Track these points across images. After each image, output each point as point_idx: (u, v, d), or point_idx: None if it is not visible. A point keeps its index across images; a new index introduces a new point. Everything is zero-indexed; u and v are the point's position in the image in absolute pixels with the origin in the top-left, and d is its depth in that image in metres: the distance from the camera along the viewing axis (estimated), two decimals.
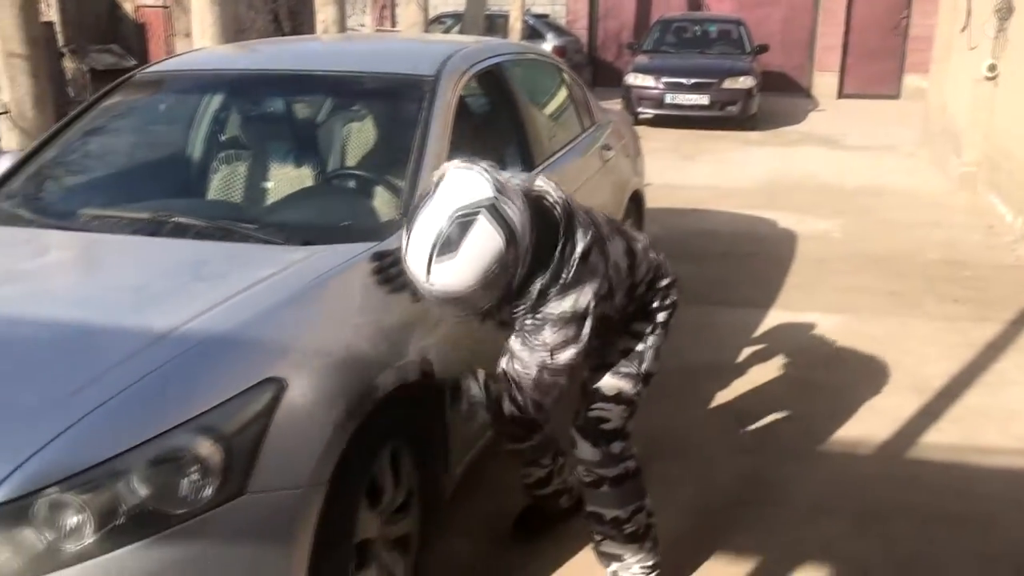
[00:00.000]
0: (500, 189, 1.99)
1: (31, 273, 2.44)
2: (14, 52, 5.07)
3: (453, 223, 1.92)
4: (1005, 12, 6.94)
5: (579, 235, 2.15)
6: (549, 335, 2.13)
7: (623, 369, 2.44)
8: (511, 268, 2.00)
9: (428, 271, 1.95)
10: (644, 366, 2.46)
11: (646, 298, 2.48)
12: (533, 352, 2.16)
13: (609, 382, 2.44)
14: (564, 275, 2.10)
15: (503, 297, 2.07)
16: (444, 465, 2.60)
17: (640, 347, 2.46)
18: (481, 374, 2.35)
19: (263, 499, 1.87)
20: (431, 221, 1.95)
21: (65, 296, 2.28)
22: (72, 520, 1.72)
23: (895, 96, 14.97)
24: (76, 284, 2.41)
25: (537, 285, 2.09)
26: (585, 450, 2.46)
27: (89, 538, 1.72)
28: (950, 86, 8.69)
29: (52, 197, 3.06)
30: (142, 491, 1.76)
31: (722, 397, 3.90)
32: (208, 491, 1.81)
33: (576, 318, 2.13)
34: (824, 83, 15.31)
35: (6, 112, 5.29)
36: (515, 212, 1.98)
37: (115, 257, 2.49)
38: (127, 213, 2.75)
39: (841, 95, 15.23)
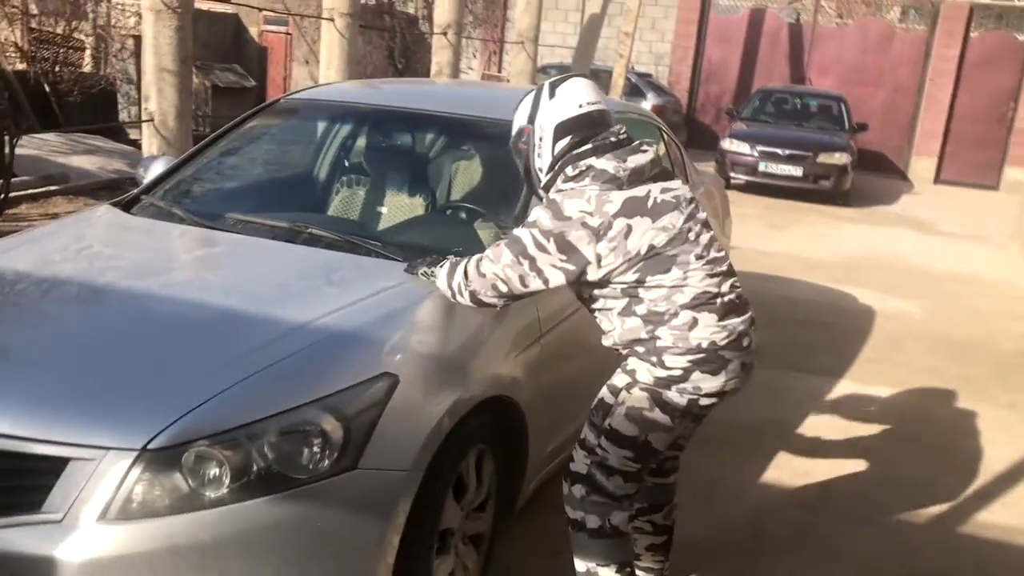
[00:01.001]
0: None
1: (188, 263, 2.82)
2: (166, 67, 5.56)
3: (556, 81, 2.58)
4: None
5: (606, 159, 2.43)
6: (532, 212, 2.45)
7: (591, 416, 2.53)
8: (527, 146, 2.54)
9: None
10: (608, 421, 2.45)
11: (638, 336, 2.42)
12: (542, 211, 2.42)
13: (584, 427, 2.55)
14: (570, 169, 2.45)
15: (527, 176, 2.59)
16: (521, 476, 2.86)
17: (610, 400, 2.47)
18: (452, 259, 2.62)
19: (371, 476, 2.17)
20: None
21: (218, 285, 2.64)
22: (213, 471, 2.03)
23: (994, 187, 14.84)
24: (226, 276, 2.77)
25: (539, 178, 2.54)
26: (563, 484, 2.59)
27: (225, 488, 2.03)
28: None
29: (201, 200, 3.46)
30: (272, 454, 2.08)
31: (785, 454, 4.08)
32: (326, 462, 2.12)
33: (555, 214, 2.36)
34: (922, 167, 15.27)
35: (151, 120, 5.76)
36: (548, 111, 2.49)
37: (258, 257, 2.85)
38: (267, 220, 3.12)
39: (938, 181, 15.16)
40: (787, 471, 3.94)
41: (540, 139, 2.50)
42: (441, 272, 2.56)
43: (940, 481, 3.96)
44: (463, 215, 3.56)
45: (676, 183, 2.55)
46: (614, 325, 2.48)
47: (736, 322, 2.45)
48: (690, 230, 2.44)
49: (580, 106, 2.48)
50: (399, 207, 3.63)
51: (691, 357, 2.38)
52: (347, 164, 3.93)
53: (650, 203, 2.41)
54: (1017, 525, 3.64)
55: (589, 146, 2.44)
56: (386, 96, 4.25)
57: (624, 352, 2.49)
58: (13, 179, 6.63)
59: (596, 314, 2.54)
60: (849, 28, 16.29)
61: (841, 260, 8.43)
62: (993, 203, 13.00)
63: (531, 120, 2.53)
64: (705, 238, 2.48)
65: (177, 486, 2.01)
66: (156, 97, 5.73)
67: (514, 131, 2.61)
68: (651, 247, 2.37)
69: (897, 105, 15.45)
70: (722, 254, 2.52)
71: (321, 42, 7.48)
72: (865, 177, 13.57)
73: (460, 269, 2.51)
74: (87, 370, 2.19)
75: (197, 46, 14.89)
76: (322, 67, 7.33)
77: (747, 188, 11.74)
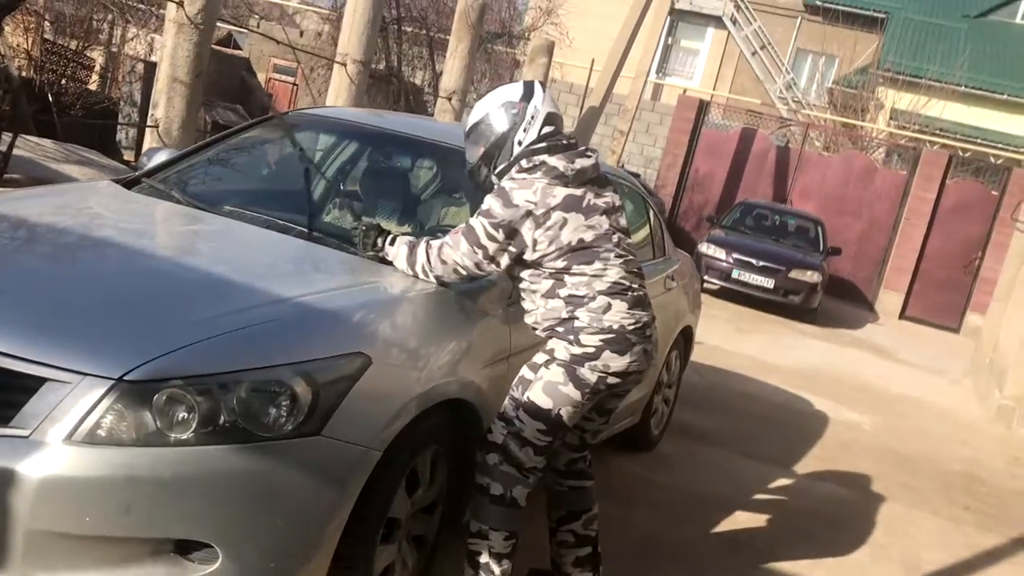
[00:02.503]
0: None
1: (183, 234, 2.91)
2: (179, 79, 5.71)
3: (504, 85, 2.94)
4: None
5: (557, 158, 2.76)
6: (485, 201, 2.74)
7: (511, 391, 2.79)
8: (513, 118, 2.81)
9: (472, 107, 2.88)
10: (528, 394, 2.72)
11: (560, 315, 2.74)
12: (493, 197, 2.74)
13: (504, 400, 2.79)
14: (525, 161, 2.76)
15: (492, 151, 2.83)
16: (470, 484, 2.91)
17: (530, 376, 2.75)
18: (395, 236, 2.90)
19: (332, 445, 2.23)
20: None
21: (210, 254, 2.75)
22: (182, 414, 2.10)
23: (955, 330, 15.22)
24: (219, 249, 2.87)
25: (511, 152, 2.81)
26: (476, 454, 2.80)
27: (190, 432, 2.09)
28: (1006, 325, 9.00)
29: (199, 189, 3.55)
30: (239, 407, 2.14)
31: (725, 524, 4.16)
32: (291, 425, 2.18)
33: (504, 202, 2.68)
34: (889, 301, 15.66)
35: (156, 126, 5.89)
36: (540, 96, 2.86)
37: (251, 239, 2.95)
38: (262, 213, 3.22)
39: (903, 316, 15.53)
40: (726, 538, 4.01)
41: (532, 117, 2.83)
42: (399, 253, 2.83)
43: (870, 571, 4.03)
44: None
45: (609, 191, 2.91)
46: (537, 305, 2.79)
47: (642, 314, 2.82)
48: (614, 232, 2.83)
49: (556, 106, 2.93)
50: (390, 225, 3.74)
51: (603, 337, 2.71)
52: (342, 180, 4.06)
53: (584, 203, 2.78)
54: None
55: (544, 145, 2.81)
56: (384, 121, 4.43)
57: (544, 334, 2.80)
58: (3, 176, 6.70)
59: (522, 295, 2.85)
60: (834, 158, 16.88)
61: (801, 369, 8.61)
62: (952, 344, 13.33)
63: (526, 99, 2.85)
64: (625, 242, 2.88)
65: (145, 423, 2.06)
66: (164, 105, 5.86)
67: (500, 102, 2.86)
68: (580, 240, 2.73)
69: (872, 238, 15.91)
70: (635, 258, 2.90)
71: (330, 84, 7.69)
72: (834, 303, 13.90)
73: (421, 252, 2.80)
74: (76, 303, 2.26)
75: (205, 83, 15.23)
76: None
77: (719, 293, 11.99)
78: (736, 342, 9.07)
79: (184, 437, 2.08)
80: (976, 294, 15.09)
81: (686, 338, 5.18)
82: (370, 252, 2.88)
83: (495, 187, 2.80)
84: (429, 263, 2.77)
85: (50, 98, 11.77)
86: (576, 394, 2.72)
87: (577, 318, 2.73)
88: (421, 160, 4.08)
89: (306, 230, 3.07)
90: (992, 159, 18.16)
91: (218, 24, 17.62)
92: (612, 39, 13.39)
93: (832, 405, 7.24)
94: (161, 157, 3.72)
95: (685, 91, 18.88)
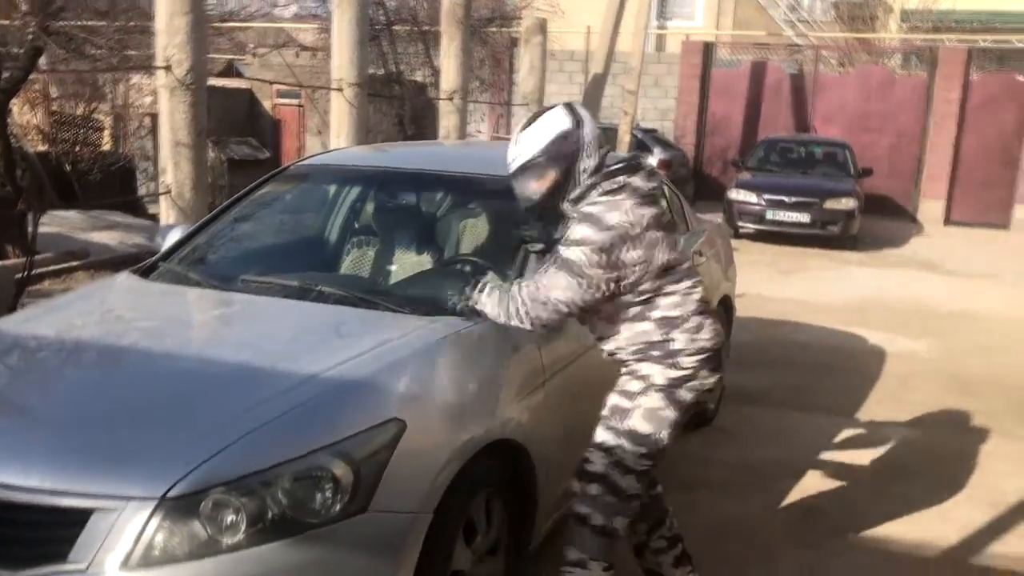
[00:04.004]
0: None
1: (203, 322, 2.95)
2: (181, 141, 5.76)
3: (538, 111, 2.81)
4: None
5: (640, 177, 2.71)
6: (576, 230, 2.64)
7: (607, 421, 2.75)
8: (573, 146, 2.70)
9: (516, 142, 2.76)
10: (628, 422, 2.71)
11: (651, 339, 2.71)
12: (582, 224, 2.64)
13: (597, 430, 2.76)
14: (607, 184, 2.67)
15: (561, 182, 2.70)
16: (531, 519, 2.93)
17: (627, 404, 2.73)
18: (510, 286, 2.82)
19: (381, 518, 2.25)
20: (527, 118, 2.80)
21: (233, 342, 2.77)
22: (230, 517, 2.13)
23: (1004, 226, 14.89)
24: (240, 333, 2.90)
25: (587, 180, 2.70)
26: (573, 484, 2.78)
27: (241, 534, 2.12)
28: None
29: (216, 264, 3.60)
30: (285, 500, 2.17)
31: (793, 493, 4.12)
32: (338, 506, 2.21)
33: (599, 227, 2.60)
34: (930, 209, 15.35)
35: (168, 192, 5.95)
36: (587, 118, 2.75)
37: (270, 314, 2.98)
38: (279, 280, 3.25)
39: (948, 222, 15.23)
40: (796, 510, 3.98)
41: (589, 142, 2.74)
42: (489, 301, 2.79)
43: (953, 515, 3.98)
44: (468, 268, 3.68)
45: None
46: (618, 331, 2.75)
47: (719, 327, 2.83)
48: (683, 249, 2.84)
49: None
50: (408, 263, 3.76)
51: (699, 357, 2.71)
52: (357, 226, 4.08)
53: (665, 220, 2.78)
54: None
55: (623, 165, 2.75)
56: (393, 158, 4.42)
57: (631, 358, 2.75)
58: (35, 256, 6.83)
59: (598, 323, 2.79)
60: (850, 76, 16.54)
61: (850, 303, 8.49)
62: (1003, 243, 13.05)
63: (578, 126, 2.75)
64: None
65: (196, 533, 2.10)
66: (172, 170, 5.92)
67: (554, 134, 2.73)
68: (667, 259, 2.71)
69: (902, 149, 15.59)
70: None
71: (332, 112, 7.70)
72: (873, 221, 13.66)
73: (516, 298, 2.73)
74: (108, 426, 2.30)
75: (212, 121, 15.29)
76: (332, 136, 7.54)
77: (756, 237, 11.85)
78: (780, 286, 8.96)
79: (236, 540, 2.11)
80: (1021, 186, 14.74)
81: (726, 308, 5.13)
82: (460, 304, 2.86)
83: (575, 216, 2.70)
84: (526, 306, 2.70)
85: (67, 167, 11.98)
86: (676, 415, 2.73)
87: (673, 340, 2.70)
88: (432, 192, 4.07)
89: (323, 291, 3.09)
90: (1016, 42, 17.62)
91: (214, 56, 17.76)
92: (604, 0, 13.20)
93: (886, 336, 7.14)
94: (175, 235, 3.76)
95: (688, 36, 18.59)
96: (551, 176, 2.73)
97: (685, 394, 2.72)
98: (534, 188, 2.76)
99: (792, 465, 4.43)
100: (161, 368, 2.57)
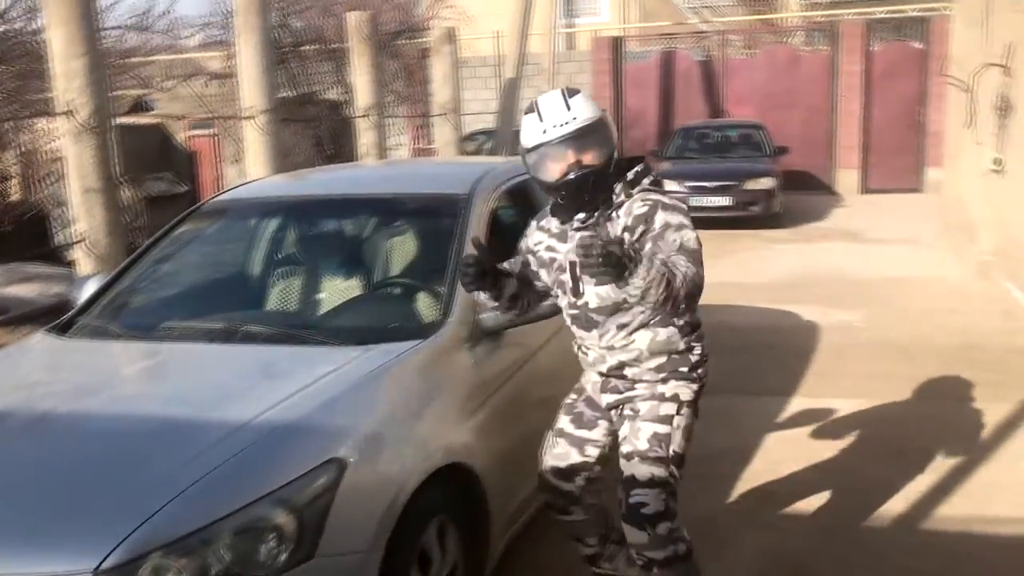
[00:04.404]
0: None
1: (128, 379, 2.84)
2: (91, 187, 5.58)
3: (566, 88, 2.61)
4: (1005, 110, 7.33)
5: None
6: (671, 216, 2.50)
7: (651, 454, 2.62)
8: (613, 132, 2.58)
9: (568, 106, 2.52)
10: (673, 447, 2.64)
11: (676, 347, 2.64)
12: (674, 211, 2.52)
13: (641, 468, 2.62)
14: (649, 181, 2.63)
15: (606, 163, 2.54)
16: (486, 541, 2.89)
17: (666, 430, 2.64)
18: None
19: (330, 562, 2.19)
20: (548, 94, 2.59)
21: (159, 396, 2.67)
22: None
23: (917, 189, 15.32)
24: (166, 386, 2.80)
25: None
26: (633, 535, 2.63)
27: None
28: (963, 179, 9.05)
29: (136, 313, 3.48)
30: (228, 555, 2.09)
31: (745, 479, 4.15)
32: (284, 556, 2.14)
33: (683, 213, 2.55)
34: (847, 179, 15.73)
35: (82, 240, 5.77)
36: None
37: (196, 362, 2.88)
38: (203, 324, 3.15)
39: (864, 191, 15.61)
40: (751, 495, 4.00)
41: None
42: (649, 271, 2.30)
43: (899, 482, 4.04)
44: (398, 291, 3.63)
45: None
46: (636, 338, 2.61)
47: None
48: None
49: None
50: (336, 291, 3.69)
51: (707, 364, 2.73)
52: (280, 257, 3.99)
53: None
54: (977, 514, 3.74)
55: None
56: (311, 185, 4.34)
57: (651, 378, 2.64)
58: None
59: (614, 329, 2.62)
60: (758, 58, 16.85)
61: (779, 280, 8.63)
62: (918, 205, 13.40)
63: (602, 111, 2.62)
64: None
65: None
66: (85, 218, 5.74)
67: (595, 117, 2.56)
68: None
69: (814, 124, 15.93)
70: None
71: (245, 141, 7.55)
72: (795, 196, 13.93)
73: (677, 267, 2.37)
74: (32, 498, 2.19)
75: (125, 160, 14.94)
76: (248, 165, 7.40)
77: None
78: (711, 271, 8.88)
79: None
80: (928, 149, 15.19)
81: None
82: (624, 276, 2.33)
83: (650, 201, 2.54)
84: (692, 269, 2.39)
85: None
86: (695, 423, 2.74)
87: (692, 349, 2.67)
88: (355, 216, 4.00)
89: (249, 331, 3.00)
90: (910, 11, 18.15)
91: (121, 93, 17.32)
92: (511, 4, 13.23)
93: (820, 310, 7.26)
94: (92, 287, 3.63)
95: (597, 32, 18.74)
96: (598, 153, 2.53)
97: (700, 400, 2.74)
98: (577, 164, 2.50)
99: (742, 450, 4.46)
100: (85, 432, 2.47)
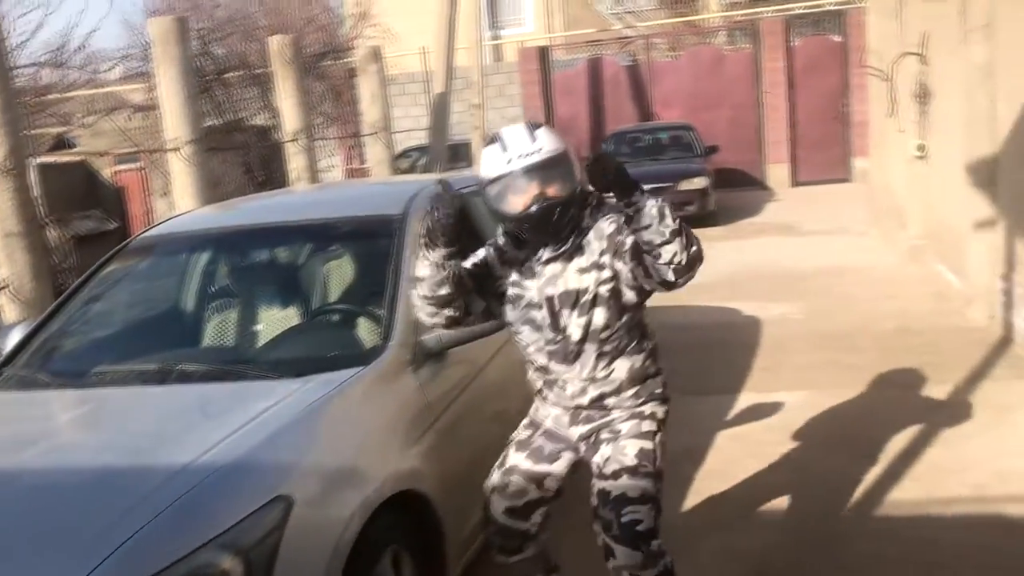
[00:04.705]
0: None
1: (58, 429, 2.73)
2: (12, 231, 5.38)
3: (529, 121, 2.56)
4: (923, 97, 7.51)
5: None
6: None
7: (642, 469, 2.58)
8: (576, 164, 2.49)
9: (532, 137, 2.46)
10: (659, 464, 2.64)
11: (649, 372, 2.66)
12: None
13: (632, 484, 2.56)
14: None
15: (572, 196, 2.46)
16: (442, 567, 2.83)
17: (651, 446, 2.62)
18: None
19: None
20: (511, 127, 2.52)
21: (92, 445, 2.56)
22: None
23: (846, 179, 15.65)
24: (99, 434, 2.69)
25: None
26: (625, 556, 2.53)
27: None
28: (889, 167, 9.24)
29: (66, 359, 3.35)
30: None
31: (700, 481, 4.16)
32: None
33: None
34: (777, 174, 16.01)
35: (5, 287, 5.58)
36: None
37: (130, 406, 2.78)
38: (135, 366, 3.05)
39: (795, 184, 15.90)
40: (708, 498, 4.00)
41: None
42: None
43: (851, 472, 4.09)
44: (336, 317, 3.56)
45: None
46: (615, 367, 2.59)
47: None
48: None
49: None
50: (274, 322, 3.61)
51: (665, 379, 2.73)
52: (213, 290, 3.89)
53: None
54: (928, 496, 3.79)
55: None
56: (242, 215, 4.24)
57: (632, 404, 2.63)
58: None
59: (595, 359, 2.58)
60: (682, 59, 17.09)
61: (718, 278, 8.69)
62: (848, 195, 13.67)
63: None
64: None
65: None
66: (7, 263, 5.53)
67: (560, 149, 2.47)
68: None
69: (742, 121, 16.20)
70: None
71: (172, 173, 7.38)
72: (729, 193, 14.14)
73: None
74: None
75: (49, 200, 14.56)
76: (176, 198, 7.24)
77: None
78: None
79: None
80: (854, 139, 15.52)
81: None
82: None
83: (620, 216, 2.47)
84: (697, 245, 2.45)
85: None
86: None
87: (660, 371, 2.70)
88: (288, 243, 3.92)
89: (184, 371, 2.91)
90: (827, 5, 18.58)
91: (41, 131, 16.86)
92: (434, 17, 13.20)
93: (759, 305, 7.34)
94: (17, 335, 3.50)
95: (523, 43, 18.82)
96: (562, 186, 2.45)
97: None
98: (543, 195, 2.42)
99: (695, 452, 4.47)
100: (14, 489, 2.35)
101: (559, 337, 2.59)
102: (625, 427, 2.63)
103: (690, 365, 5.86)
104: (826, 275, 8.33)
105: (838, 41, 15.92)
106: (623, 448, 2.60)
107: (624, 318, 2.57)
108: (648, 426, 2.64)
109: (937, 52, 7.23)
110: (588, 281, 2.53)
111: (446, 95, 12.82)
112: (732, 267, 9.21)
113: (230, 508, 2.16)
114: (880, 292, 7.38)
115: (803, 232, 11.02)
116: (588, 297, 2.53)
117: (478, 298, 2.67)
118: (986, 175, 6.00)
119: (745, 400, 5.16)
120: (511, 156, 2.45)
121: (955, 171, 6.63)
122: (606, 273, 2.52)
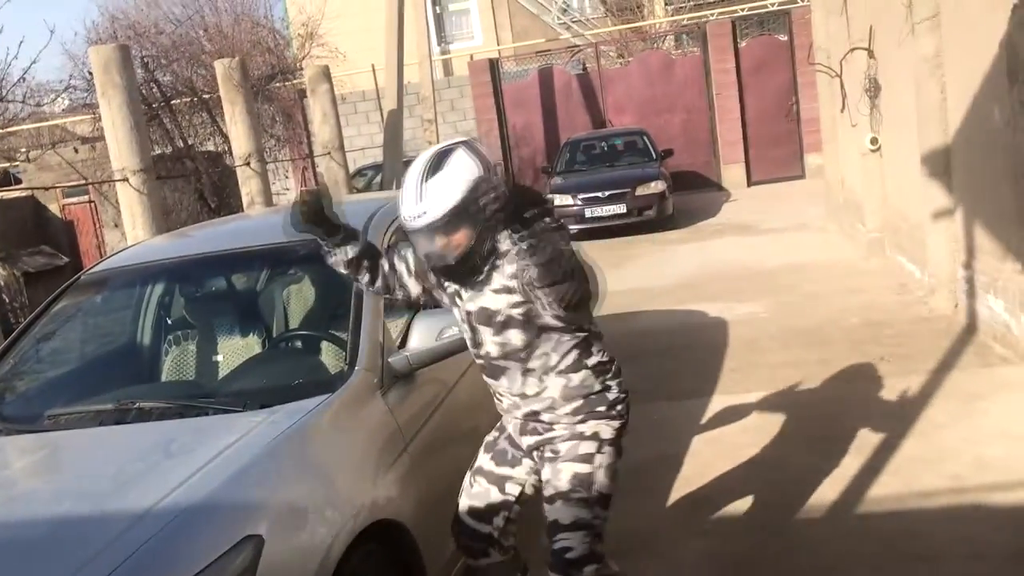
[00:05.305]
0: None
1: (11, 478, 2.59)
2: None
3: (436, 155, 2.37)
4: (873, 91, 7.57)
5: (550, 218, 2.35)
6: (546, 243, 2.23)
7: (574, 495, 2.51)
8: (488, 195, 2.31)
9: (419, 195, 2.33)
10: (596, 488, 2.52)
11: (590, 389, 2.51)
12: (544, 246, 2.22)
13: (564, 511, 2.51)
14: (530, 212, 2.30)
15: (480, 237, 2.33)
16: None
17: (587, 470, 2.52)
18: None
19: None
20: (418, 161, 2.40)
21: (47, 493, 2.44)
22: None
23: (800, 176, 15.79)
24: (54, 481, 2.56)
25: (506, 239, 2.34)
26: None
27: None
28: (843, 161, 9.31)
29: (15, 403, 3.22)
30: None
31: (677, 487, 4.10)
32: None
33: (563, 237, 2.28)
34: (733, 174, 16.11)
35: None
36: (490, 156, 2.38)
37: (87, 450, 2.65)
38: (91, 407, 2.92)
39: (750, 183, 16.02)
40: (685, 503, 3.95)
41: (501, 187, 2.37)
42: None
43: (827, 469, 4.05)
44: (299, 343, 3.46)
45: None
46: (550, 385, 2.49)
47: None
48: None
49: None
50: (234, 352, 3.50)
51: (627, 402, 2.60)
52: (170, 322, 3.77)
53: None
54: (907, 491, 3.77)
55: (538, 211, 2.36)
56: (195, 243, 4.11)
57: (569, 420, 2.52)
58: None
59: (523, 377, 2.50)
60: (632, 65, 17.17)
61: (681, 281, 8.71)
62: (803, 191, 13.79)
63: (488, 170, 2.37)
64: None
65: None
66: None
67: (465, 187, 2.32)
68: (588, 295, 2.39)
69: (694, 124, 16.30)
70: None
71: (121, 204, 7.21)
72: (686, 196, 14.19)
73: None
74: None
75: None
76: (127, 228, 7.06)
77: (580, 236, 11.97)
78: (613, 280, 8.90)
79: None
80: (806, 136, 15.67)
81: None
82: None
83: (526, 242, 2.25)
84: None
85: None
86: (620, 463, 2.62)
87: (610, 388, 2.55)
88: (245, 270, 3.81)
89: (142, 408, 2.79)
90: (770, 6, 18.81)
91: None
92: (382, 36, 13.12)
93: (725, 306, 7.33)
94: None
95: (472, 57, 18.80)
96: (467, 233, 2.34)
97: (623, 439, 2.61)
98: (448, 247, 2.36)
99: (670, 457, 4.41)
100: None
101: (481, 352, 2.55)
102: (564, 448, 2.55)
103: (659, 369, 5.82)
104: (789, 272, 8.35)
105: (784, 40, 16.09)
106: (559, 472, 2.54)
107: (545, 337, 2.46)
108: (587, 448, 2.52)
109: (884, 45, 7.29)
110: (501, 303, 2.44)
111: (399, 111, 12.74)
112: (694, 269, 9.22)
113: (197, 552, 2.05)
114: (844, 286, 7.41)
115: (762, 231, 11.07)
116: (501, 318, 2.45)
117: (414, 282, 2.70)
118: (940, 165, 6.04)
119: (718, 403, 5.12)
120: (405, 214, 2.40)
121: (909, 163, 6.68)
122: (516, 297, 2.40)
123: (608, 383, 2.54)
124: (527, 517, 2.80)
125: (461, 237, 2.35)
